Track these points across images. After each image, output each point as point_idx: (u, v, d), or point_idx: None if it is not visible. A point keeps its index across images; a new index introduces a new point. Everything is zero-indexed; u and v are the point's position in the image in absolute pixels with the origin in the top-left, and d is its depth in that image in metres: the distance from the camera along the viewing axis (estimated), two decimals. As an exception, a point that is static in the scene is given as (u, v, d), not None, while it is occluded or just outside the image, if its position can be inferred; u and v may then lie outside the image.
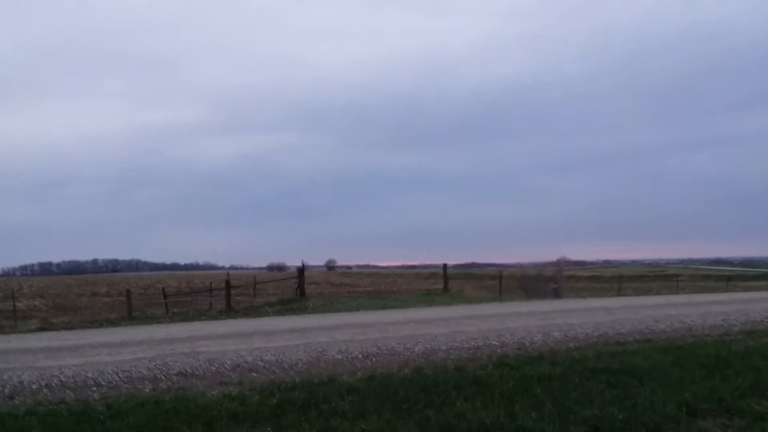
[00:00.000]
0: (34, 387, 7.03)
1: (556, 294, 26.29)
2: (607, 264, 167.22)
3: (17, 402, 6.35)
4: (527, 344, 9.60)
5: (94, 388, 6.96)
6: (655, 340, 9.85)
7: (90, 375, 7.61)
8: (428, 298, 22.78)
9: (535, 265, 32.47)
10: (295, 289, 23.69)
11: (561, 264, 34.13)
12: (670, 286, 45.73)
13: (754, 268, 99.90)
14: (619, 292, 32.74)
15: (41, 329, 15.10)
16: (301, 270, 24.15)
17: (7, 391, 6.86)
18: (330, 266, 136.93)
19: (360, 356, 8.70)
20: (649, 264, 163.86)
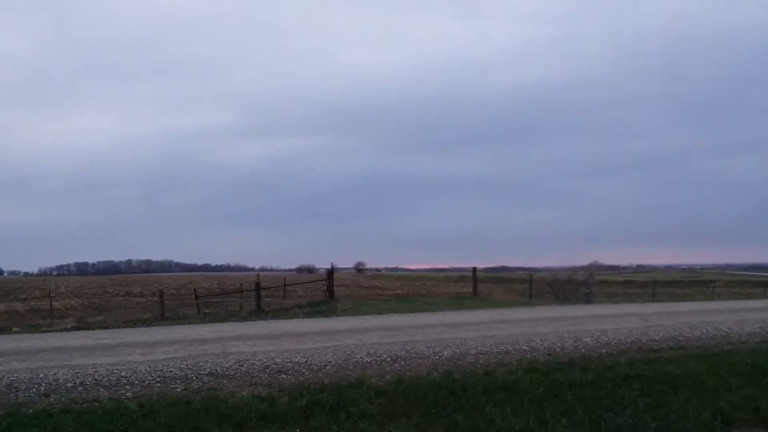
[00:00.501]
0: (69, 385, 7.18)
1: (588, 299, 25.90)
2: (640, 269, 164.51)
3: (52, 400, 6.49)
4: (558, 350, 9.48)
5: (127, 387, 7.08)
6: (689, 348, 9.64)
7: (123, 374, 7.75)
8: (457, 302, 22.66)
9: (567, 270, 31.99)
10: (324, 291, 23.79)
11: (593, 268, 33.57)
12: (705, 292, 44.78)
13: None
14: (653, 298, 32.17)
15: (77, 328, 15.43)
16: (331, 272, 24.24)
17: (42, 389, 7.02)
18: (359, 269, 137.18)
19: (389, 359, 8.70)
20: (684, 269, 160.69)
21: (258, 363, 8.40)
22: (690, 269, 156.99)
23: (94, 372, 7.88)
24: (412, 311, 18.07)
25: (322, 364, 8.36)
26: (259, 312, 19.20)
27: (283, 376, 7.63)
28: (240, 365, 8.26)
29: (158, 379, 7.47)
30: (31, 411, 5.84)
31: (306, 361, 8.53)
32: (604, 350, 9.42)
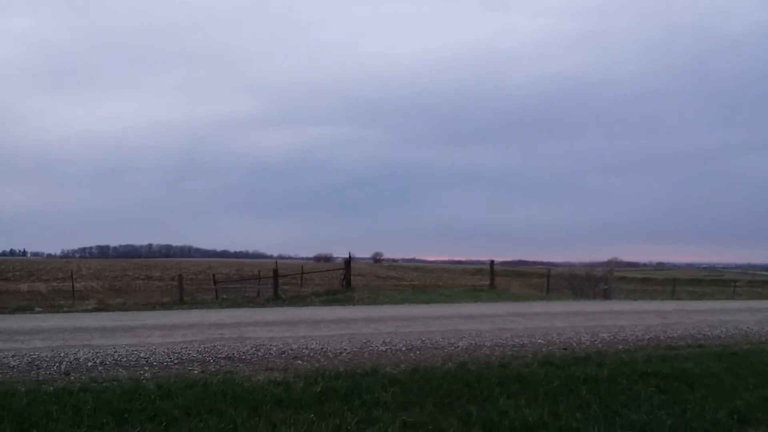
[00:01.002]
0: (89, 364, 7.31)
1: (606, 295, 25.72)
2: (660, 266, 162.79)
3: (72, 378, 6.61)
4: (574, 344, 9.43)
5: (146, 368, 7.19)
6: (708, 346, 9.54)
7: (142, 355, 7.87)
8: (474, 294, 22.62)
9: (585, 265, 31.72)
10: (341, 280, 23.87)
11: (612, 264, 33.30)
12: (726, 291, 44.19)
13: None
14: (673, 296, 31.82)
15: (97, 309, 15.65)
16: (348, 261, 24.30)
17: (63, 367, 7.15)
18: (377, 259, 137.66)
19: (404, 349, 8.72)
20: (705, 268, 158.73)
21: (274, 348, 8.48)
22: (711, 268, 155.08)
23: (114, 352, 8.00)
24: (429, 302, 18.08)
25: (338, 352, 8.41)
26: (276, 299, 19.33)
27: (299, 362, 7.69)
28: (256, 350, 8.34)
29: (176, 361, 7.57)
30: (51, 388, 5.95)
31: (322, 348, 8.58)
32: (621, 346, 9.36)
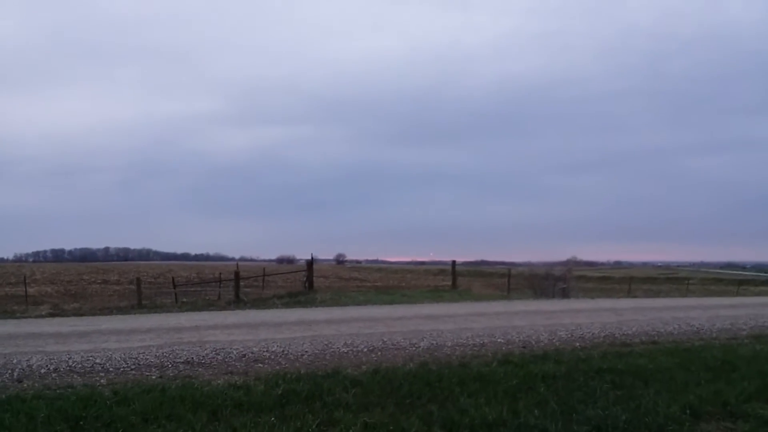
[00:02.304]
0: (42, 371, 7.12)
1: (565, 294, 26.21)
2: (617, 265, 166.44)
3: (25, 385, 6.43)
4: (533, 343, 9.59)
5: (102, 374, 7.04)
6: (661, 342, 9.81)
7: (98, 361, 7.70)
8: (436, 295, 22.78)
9: (545, 265, 32.30)
10: (304, 282, 23.75)
11: (571, 264, 34.04)
12: (680, 288, 45.49)
13: (766, 272, 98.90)
14: (629, 294, 32.58)
15: (52, 315, 15.24)
16: (311, 263, 24.21)
17: (15, 374, 6.95)
18: (339, 260, 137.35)
19: (365, 350, 8.74)
20: (660, 266, 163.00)
21: (235, 352, 8.39)
22: (666, 266, 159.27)
23: (69, 359, 7.81)
24: (391, 303, 18.14)
25: (299, 354, 8.37)
26: (238, 302, 19.12)
27: (260, 365, 7.63)
28: (216, 354, 8.24)
29: (133, 367, 7.43)
30: (3, 396, 5.78)
31: (283, 351, 8.53)
32: (578, 344, 9.55)
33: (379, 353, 8.54)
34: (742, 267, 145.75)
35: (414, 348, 8.98)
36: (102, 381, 6.67)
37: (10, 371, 7.09)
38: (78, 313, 15.89)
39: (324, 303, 18.19)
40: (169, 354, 8.20)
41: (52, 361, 7.66)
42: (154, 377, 6.87)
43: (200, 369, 7.36)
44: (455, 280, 27.35)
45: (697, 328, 11.84)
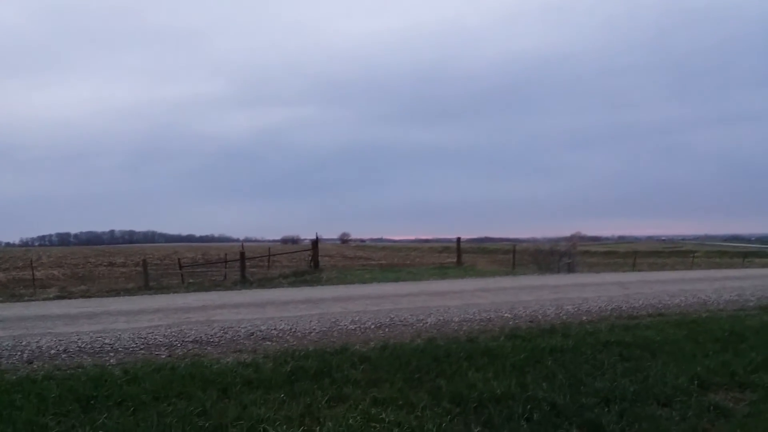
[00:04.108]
0: (52, 352, 7.17)
1: (570, 268, 26.22)
2: (621, 240, 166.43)
3: (35, 366, 6.48)
4: (540, 317, 9.60)
5: (111, 354, 7.08)
6: (668, 315, 9.81)
7: (107, 341, 7.75)
8: (441, 272, 22.81)
9: (549, 240, 32.29)
10: (309, 261, 23.82)
11: (575, 239, 34.00)
12: (685, 261, 45.46)
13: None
14: (634, 268, 32.59)
15: (59, 297, 15.34)
16: (315, 242, 24.23)
17: (25, 356, 7.00)
18: (344, 240, 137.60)
19: (373, 327, 8.76)
20: (664, 240, 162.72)
21: (243, 330, 8.43)
22: (670, 240, 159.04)
23: (78, 339, 7.86)
24: (397, 281, 18.17)
25: (307, 332, 8.40)
26: (244, 281, 19.20)
27: (268, 343, 7.66)
28: (224, 332, 8.28)
29: (142, 346, 7.47)
30: (14, 377, 5.82)
31: (290, 329, 8.57)
32: (584, 317, 9.55)
33: (387, 330, 8.56)
34: (747, 239, 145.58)
35: (421, 324, 9.00)
36: (112, 361, 6.71)
37: (20, 353, 7.14)
38: (85, 295, 15.98)
39: (330, 281, 18.24)
40: (178, 333, 8.24)
41: (61, 342, 7.71)
42: (163, 356, 6.91)
43: (209, 348, 7.40)
44: (460, 257, 27.39)
45: (704, 299, 11.83)
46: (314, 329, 8.57)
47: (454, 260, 28.05)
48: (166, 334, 8.23)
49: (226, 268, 25.63)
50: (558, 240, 32.20)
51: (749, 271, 24.97)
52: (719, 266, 34.93)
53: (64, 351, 7.23)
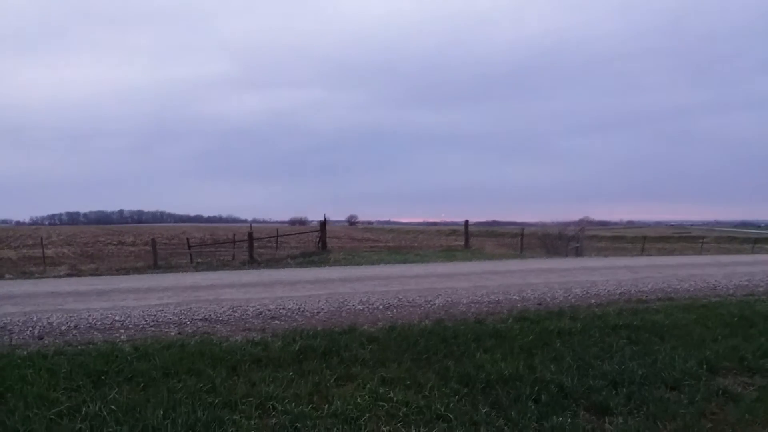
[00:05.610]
0: (63, 328, 7.23)
1: (578, 253, 26.15)
2: (630, 225, 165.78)
3: (46, 342, 6.53)
4: (548, 300, 9.59)
5: (122, 331, 7.13)
6: (678, 299, 9.77)
7: (117, 318, 7.80)
8: (449, 254, 22.81)
9: (558, 224, 32.12)
10: (317, 242, 23.86)
11: (583, 223, 33.82)
12: (694, 247, 45.21)
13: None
14: (642, 252, 32.46)
15: (69, 275, 15.45)
16: (323, 223, 24.25)
17: (36, 331, 7.06)
18: (351, 222, 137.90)
19: (381, 307, 8.78)
20: (673, 225, 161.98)
21: (251, 309, 8.47)
22: (679, 226, 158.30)
23: (88, 316, 7.92)
24: (404, 262, 18.19)
25: (315, 311, 8.43)
26: (252, 261, 19.27)
27: (276, 321, 7.70)
28: (233, 311, 8.32)
29: (152, 324, 7.52)
30: (25, 353, 5.87)
31: (299, 308, 8.60)
32: (593, 300, 9.54)
33: (395, 310, 8.58)
34: (757, 226, 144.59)
35: (429, 305, 9.01)
36: (122, 337, 6.76)
37: (30, 328, 7.20)
38: (95, 273, 16.09)
39: (337, 262, 18.28)
40: (187, 311, 8.29)
41: (72, 318, 7.77)
42: (173, 333, 6.95)
43: (218, 326, 7.44)
44: (468, 240, 27.36)
45: (714, 284, 11.78)
46: (323, 309, 8.60)
47: (462, 243, 28.03)
48: (176, 312, 8.27)
49: (234, 248, 25.72)
50: (566, 224, 32.02)
51: (759, 256, 24.83)
52: (728, 252, 34.75)
53: (75, 327, 7.29)
